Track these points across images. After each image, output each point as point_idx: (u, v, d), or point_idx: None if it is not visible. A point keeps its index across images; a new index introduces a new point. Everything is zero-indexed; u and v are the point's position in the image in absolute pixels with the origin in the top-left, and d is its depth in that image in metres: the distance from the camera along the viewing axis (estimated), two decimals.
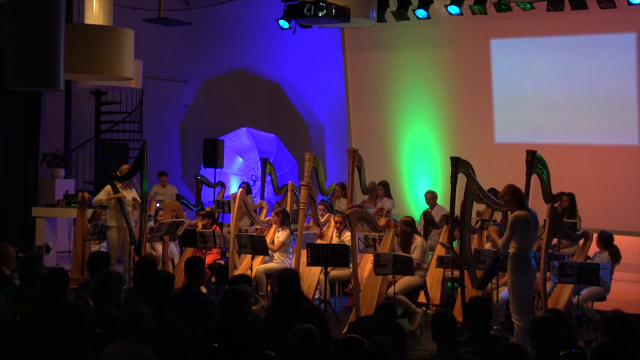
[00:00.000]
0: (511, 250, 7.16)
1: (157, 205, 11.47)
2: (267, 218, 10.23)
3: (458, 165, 8.44)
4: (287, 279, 5.86)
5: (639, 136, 11.55)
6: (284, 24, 13.69)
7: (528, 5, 11.58)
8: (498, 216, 9.64)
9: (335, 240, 9.63)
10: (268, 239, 9.52)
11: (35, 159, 13.22)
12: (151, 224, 10.33)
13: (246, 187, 11.59)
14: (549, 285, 8.37)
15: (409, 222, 8.99)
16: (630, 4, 11.20)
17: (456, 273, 8.59)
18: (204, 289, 8.28)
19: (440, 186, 12.70)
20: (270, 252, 9.46)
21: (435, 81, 13.46)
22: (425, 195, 11.66)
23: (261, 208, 10.97)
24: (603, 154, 11.87)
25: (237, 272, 9.16)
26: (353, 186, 10.79)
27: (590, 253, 9.05)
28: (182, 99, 16.32)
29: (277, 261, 9.67)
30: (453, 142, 13.16)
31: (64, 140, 13.81)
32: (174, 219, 10.21)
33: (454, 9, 12.36)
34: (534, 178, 8.95)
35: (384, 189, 11.93)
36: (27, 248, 11.82)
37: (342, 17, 8.70)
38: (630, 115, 11.60)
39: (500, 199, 7.48)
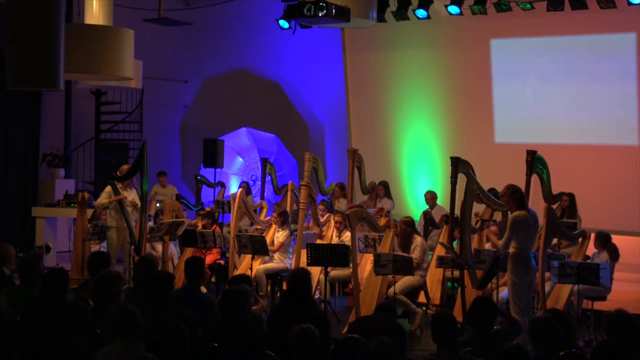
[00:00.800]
0: (511, 250, 7.17)
1: (157, 205, 11.47)
2: (267, 218, 10.24)
3: (458, 165, 8.43)
4: (298, 278, 5.74)
5: (639, 136, 11.55)
6: (284, 24, 13.69)
7: (528, 5, 11.58)
8: (498, 216, 9.64)
9: (335, 240, 9.63)
10: (268, 239, 9.52)
11: (35, 159, 13.21)
12: (151, 224, 10.33)
13: (246, 187, 11.59)
14: (548, 285, 8.37)
15: (409, 222, 8.99)
16: (630, 4, 11.20)
17: (456, 273, 8.59)
18: (204, 289, 8.29)
19: (440, 186, 12.70)
20: (270, 252, 9.46)
21: (435, 81, 13.46)
22: (425, 195, 11.66)
23: (261, 208, 10.97)
24: (603, 154, 11.86)
25: (237, 272, 9.16)
26: (353, 186, 10.79)
27: (589, 253, 9.05)
28: (182, 99, 16.33)
29: (277, 261, 9.68)
30: (453, 142, 13.16)
31: (64, 140, 13.80)
32: (174, 219, 10.21)
33: (454, 9, 12.36)
34: (534, 178, 8.95)
35: (384, 189, 11.92)
36: (27, 248, 11.83)
37: (342, 17, 8.70)
38: (630, 115, 11.59)
39: (501, 199, 7.49)
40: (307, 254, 8.73)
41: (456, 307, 8.56)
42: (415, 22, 13.02)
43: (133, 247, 9.54)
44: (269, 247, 9.39)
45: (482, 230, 9.23)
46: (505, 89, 12.73)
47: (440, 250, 9.34)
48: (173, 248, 10.66)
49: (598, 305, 8.51)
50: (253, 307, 7.41)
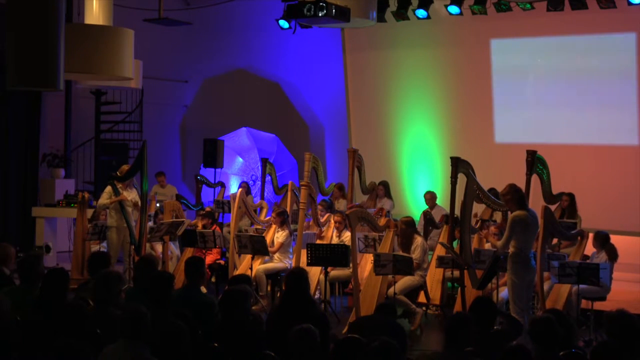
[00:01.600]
0: (511, 250, 7.17)
1: (157, 205, 11.47)
2: (267, 218, 10.24)
3: (458, 165, 8.44)
4: (296, 278, 5.74)
5: (639, 136, 11.55)
6: (284, 24, 13.69)
7: (528, 5, 11.59)
8: (498, 216, 9.64)
9: (335, 240, 9.63)
10: (268, 239, 9.52)
11: (35, 159, 13.21)
12: (151, 224, 10.34)
13: (246, 187, 11.60)
14: (546, 285, 8.37)
15: (409, 222, 8.99)
16: (630, 4, 11.20)
17: (456, 273, 8.59)
18: (204, 289, 8.28)
19: (440, 186, 12.70)
20: (270, 252, 9.46)
21: (435, 81, 13.46)
22: (425, 196, 11.65)
23: (261, 208, 10.97)
24: (603, 154, 11.86)
25: (237, 272, 9.16)
26: (353, 186, 10.79)
27: (587, 253, 9.05)
28: (182, 99, 16.32)
29: (277, 261, 9.68)
30: (453, 142, 13.16)
31: (64, 140, 13.80)
32: (174, 219, 10.21)
33: (454, 9, 12.36)
34: (534, 178, 8.95)
35: (384, 189, 11.92)
36: (27, 248, 11.82)
37: (342, 17, 8.70)
38: (630, 115, 11.60)
39: (501, 198, 7.49)
40: (307, 254, 8.73)
41: (456, 307, 8.56)
42: (415, 22, 13.01)
43: (133, 247, 9.55)
44: (269, 248, 9.40)
45: (482, 230, 9.23)
46: (505, 89, 12.73)
47: (440, 250, 9.34)
48: (173, 248, 10.66)
49: (598, 305, 8.50)
50: (253, 307, 7.41)
